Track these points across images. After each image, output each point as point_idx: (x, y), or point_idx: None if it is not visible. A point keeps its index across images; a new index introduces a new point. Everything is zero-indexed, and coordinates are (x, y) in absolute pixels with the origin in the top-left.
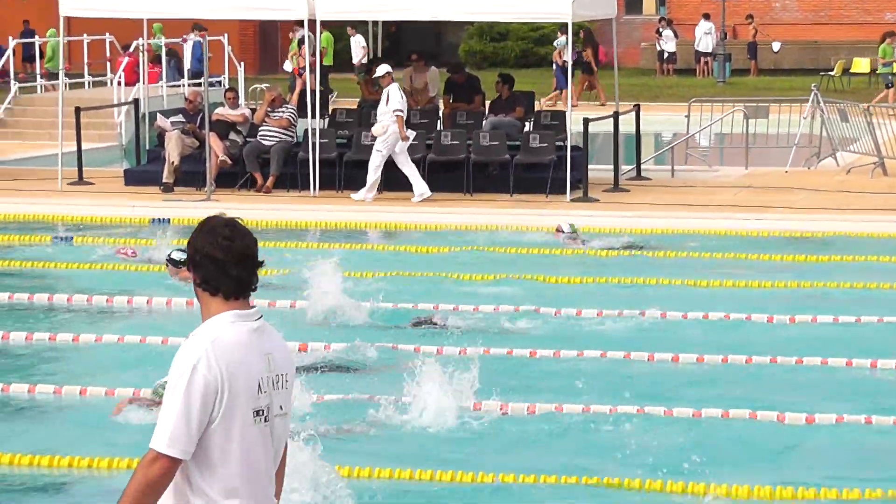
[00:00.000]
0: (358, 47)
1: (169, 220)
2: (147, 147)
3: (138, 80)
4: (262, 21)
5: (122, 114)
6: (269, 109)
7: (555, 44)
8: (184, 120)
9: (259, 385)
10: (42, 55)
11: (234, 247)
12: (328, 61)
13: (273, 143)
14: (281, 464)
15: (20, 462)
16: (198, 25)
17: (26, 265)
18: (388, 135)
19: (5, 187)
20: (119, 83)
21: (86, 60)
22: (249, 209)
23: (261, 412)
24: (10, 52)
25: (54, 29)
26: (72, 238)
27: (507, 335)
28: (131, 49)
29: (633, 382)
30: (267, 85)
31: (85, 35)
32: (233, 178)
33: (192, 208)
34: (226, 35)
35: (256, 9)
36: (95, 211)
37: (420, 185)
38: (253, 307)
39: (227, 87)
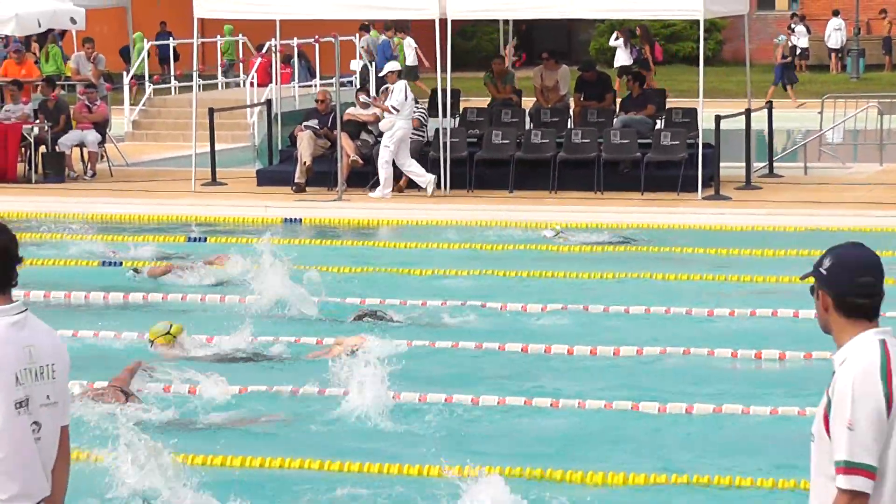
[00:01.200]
0: (409, 48)
1: (301, 220)
2: (279, 147)
3: (270, 81)
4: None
5: (254, 114)
6: None
7: (775, 40)
8: (318, 122)
9: (17, 377)
10: (177, 57)
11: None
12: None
13: None
14: (62, 451)
15: None
16: (388, 24)
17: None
18: (395, 130)
19: (140, 189)
20: (251, 84)
21: (219, 62)
22: (381, 209)
23: (22, 403)
24: (145, 53)
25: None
26: (205, 238)
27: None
28: (263, 50)
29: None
30: None
31: (218, 37)
32: (364, 177)
33: (324, 208)
34: (357, 35)
35: (387, 8)
36: (229, 211)
37: (423, 178)
38: (14, 302)
39: (358, 87)
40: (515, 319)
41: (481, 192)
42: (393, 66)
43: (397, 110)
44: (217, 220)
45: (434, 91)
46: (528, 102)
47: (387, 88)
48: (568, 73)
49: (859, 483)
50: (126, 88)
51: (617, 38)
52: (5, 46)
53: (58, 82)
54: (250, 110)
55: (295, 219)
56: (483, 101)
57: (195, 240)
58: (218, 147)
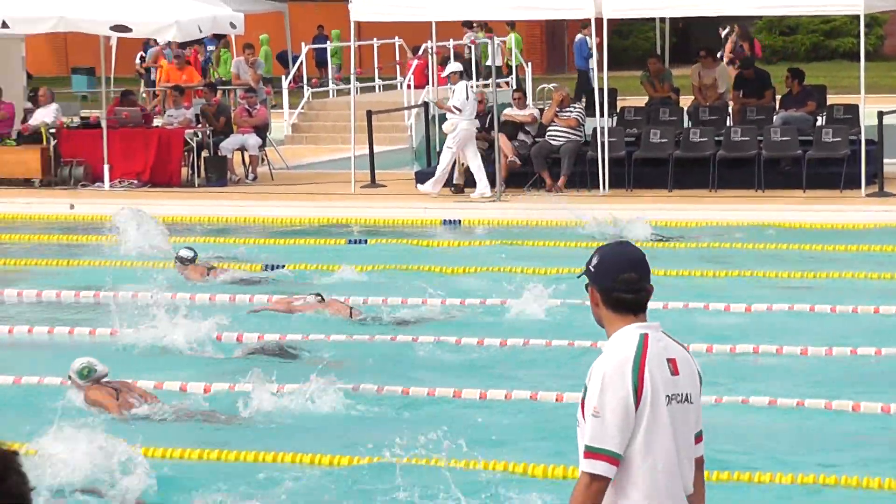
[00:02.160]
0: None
1: (460, 220)
2: (437, 149)
3: (427, 83)
4: (549, 20)
5: (411, 116)
6: (557, 109)
7: None
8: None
9: None
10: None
11: None
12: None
13: (562, 142)
14: None
15: None
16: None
17: (322, 268)
18: (458, 132)
19: (300, 191)
20: (409, 86)
21: (376, 64)
22: (537, 209)
23: None
24: (302, 57)
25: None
26: (366, 241)
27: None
28: (420, 52)
29: None
30: (555, 84)
31: (375, 39)
32: (522, 178)
33: (483, 209)
34: (512, 36)
35: (543, 8)
36: (388, 213)
37: (482, 184)
38: None
39: (514, 87)
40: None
41: (640, 192)
42: (455, 66)
43: (459, 110)
44: (377, 221)
45: (591, 90)
46: (685, 101)
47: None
48: (726, 70)
49: (601, 468)
50: (285, 92)
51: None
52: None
53: (219, 87)
54: (408, 112)
55: (454, 220)
56: (640, 101)
57: (356, 242)
58: (376, 149)
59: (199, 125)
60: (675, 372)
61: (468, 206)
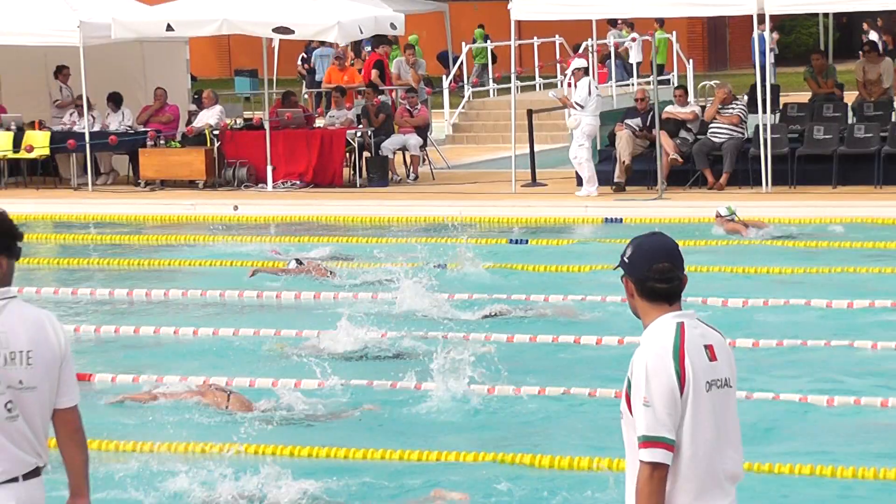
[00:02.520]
0: (634, 46)
1: (621, 219)
2: (598, 147)
3: None
4: (711, 17)
5: (571, 115)
6: (719, 106)
7: None
8: (637, 121)
9: None
10: (494, 60)
11: None
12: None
13: (723, 139)
14: (67, 433)
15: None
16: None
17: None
18: (582, 126)
19: (461, 191)
20: (569, 84)
21: (536, 63)
22: (699, 207)
23: None
24: (463, 57)
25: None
26: (527, 241)
27: None
28: (581, 50)
29: None
30: (717, 82)
31: (535, 38)
32: (684, 176)
33: (644, 207)
34: (674, 33)
35: (705, 5)
36: (549, 212)
37: (589, 181)
38: None
39: (676, 84)
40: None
41: (803, 189)
42: (579, 62)
43: (581, 107)
44: (538, 220)
45: (753, 87)
46: (850, 96)
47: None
48: (891, 65)
49: (660, 455)
50: (445, 92)
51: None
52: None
53: (380, 87)
54: (567, 111)
55: (615, 218)
56: (804, 97)
57: (516, 242)
58: (537, 148)
59: (361, 126)
60: (712, 358)
61: (630, 204)
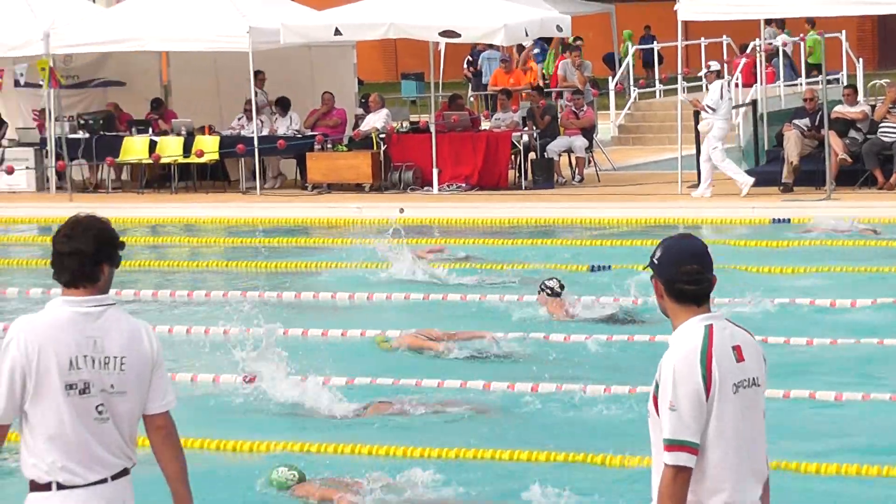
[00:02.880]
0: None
1: (789, 219)
2: (765, 147)
3: (755, 81)
4: (881, 16)
5: (739, 115)
6: (890, 105)
7: None
8: (806, 121)
9: (71, 362)
10: (661, 61)
11: (68, 243)
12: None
13: (894, 139)
14: (160, 437)
15: None
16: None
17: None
18: (714, 130)
19: (626, 192)
20: (736, 85)
21: (703, 64)
22: (868, 207)
23: (73, 386)
24: (629, 58)
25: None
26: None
27: None
28: (748, 50)
29: None
30: (887, 80)
31: (702, 38)
32: (853, 176)
33: (812, 208)
34: (843, 32)
35: (876, 3)
36: (715, 213)
37: (704, 185)
38: (98, 296)
39: (845, 84)
40: None
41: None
42: (713, 65)
43: (713, 109)
44: (703, 221)
45: None
46: None
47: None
48: None
49: (683, 458)
50: (611, 93)
51: None
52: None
53: (546, 89)
54: (735, 111)
55: (783, 219)
56: None
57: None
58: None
59: (527, 128)
60: (740, 358)
61: (797, 205)
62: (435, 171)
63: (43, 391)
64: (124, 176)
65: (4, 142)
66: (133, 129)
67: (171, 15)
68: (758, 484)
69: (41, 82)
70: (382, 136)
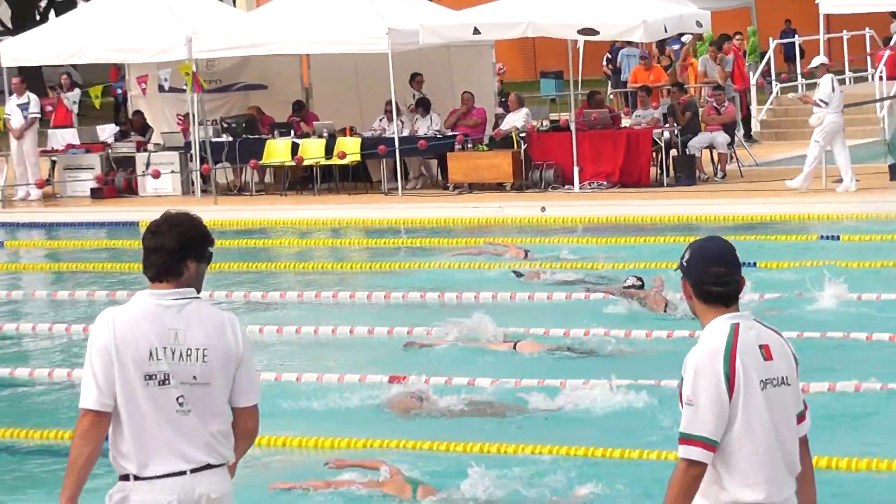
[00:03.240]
0: None
1: None
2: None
3: None
4: None
5: (884, 108)
6: None
7: None
8: None
9: (151, 353)
10: (802, 54)
11: (153, 239)
12: None
13: None
14: (239, 428)
15: None
16: None
17: (793, 265)
18: (825, 125)
19: (769, 188)
20: (880, 78)
21: (846, 57)
22: None
23: (153, 377)
24: (770, 52)
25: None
26: (839, 237)
27: None
28: (892, 42)
29: None
30: None
31: (844, 31)
32: None
33: None
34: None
35: None
36: (858, 208)
37: (848, 178)
38: (182, 289)
39: None
40: None
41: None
42: (821, 58)
43: (825, 103)
44: (846, 216)
45: None
46: None
47: None
48: None
49: (695, 453)
50: (753, 88)
51: None
52: (642, 58)
53: (685, 86)
54: (879, 104)
55: None
56: None
57: (827, 238)
58: (848, 142)
59: (667, 124)
60: (768, 357)
61: None
62: (576, 170)
63: (124, 381)
64: (267, 178)
65: (150, 146)
66: (275, 132)
67: (311, 18)
68: (791, 479)
69: (185, 87)
70: (523, 135)
